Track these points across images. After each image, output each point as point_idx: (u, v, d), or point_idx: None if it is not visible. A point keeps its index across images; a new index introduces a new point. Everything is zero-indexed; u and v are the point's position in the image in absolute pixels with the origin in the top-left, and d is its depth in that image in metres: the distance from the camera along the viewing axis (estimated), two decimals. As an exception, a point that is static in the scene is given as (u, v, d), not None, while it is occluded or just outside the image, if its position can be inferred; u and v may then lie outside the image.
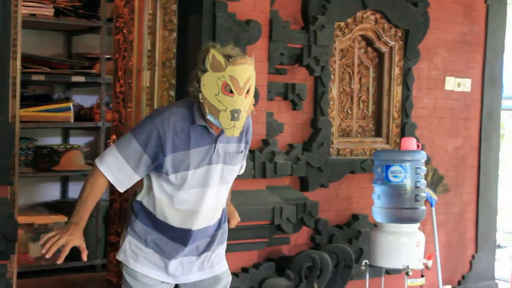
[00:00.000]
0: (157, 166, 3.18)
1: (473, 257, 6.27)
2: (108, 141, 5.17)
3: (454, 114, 6.10)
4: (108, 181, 3.20)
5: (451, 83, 6.03)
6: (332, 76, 5.35)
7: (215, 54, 3.12)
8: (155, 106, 4.59)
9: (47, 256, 3.06)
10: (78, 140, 7.05)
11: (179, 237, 3.30)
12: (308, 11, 5.16)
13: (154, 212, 3.30)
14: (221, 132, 3.21)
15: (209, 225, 3.36)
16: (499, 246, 8.33)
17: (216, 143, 3.22)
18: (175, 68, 4.63)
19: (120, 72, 4.97)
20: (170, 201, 3.26)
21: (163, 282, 3.38)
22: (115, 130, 5.06)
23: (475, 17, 6.17)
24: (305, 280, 4.98)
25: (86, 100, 6.94)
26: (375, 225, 5.07)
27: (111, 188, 5.02)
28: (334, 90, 5.40)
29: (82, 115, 6.72)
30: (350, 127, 5.59)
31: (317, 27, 5.11)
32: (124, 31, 4.88)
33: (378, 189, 4.95)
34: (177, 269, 3.37)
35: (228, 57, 3.12)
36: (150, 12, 4.59)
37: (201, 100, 3.15)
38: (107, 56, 6.40)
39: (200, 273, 3.42)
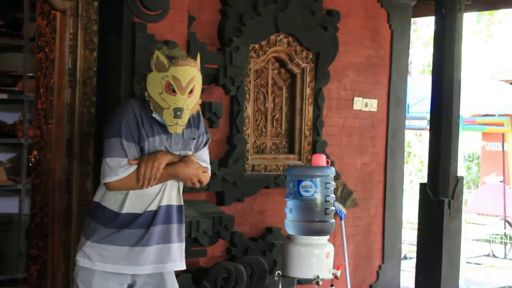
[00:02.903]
0: (141, 152, 3.36)
1: (380, 267, 6.41)
2: (30, 156, 5.19)
3: (361, 133, 6.25)
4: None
5: (359, 103, 6.20)
6: (247, 95, 5.43)
7: (159, 55, 3.31)
8: (76, 123, 4.61)
9: None
10: (1, 156, 7.02)
11: (143, 222, 3.40)
12: (224, 33, 5.23)
13: (116, 205, 3.40)
14: None
15: (169, 204, 3.48)
16: (405, 257, 8.61)
17: (172, 133, 3.41)
18: (95, 86, 4.65)
19: (42, 90, 4.97)
20: None
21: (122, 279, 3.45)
22: (36, 146, 5.05)
23: (381, 42, 6.35)
24: (221, 291, 5.02)
25: (9, 117, 6.92)
26: (288, 238, 5.09)
27: (32, 203, 5.15)
28: (249, 109, 5.48)
29: (5, 131, 6.72)
30: (264, 144, 5.68)
31: (232, 49, 5.18)
32: (46, 49, 4.89)
33: (290, 203, 5.00)
34: (141, 257, 3.42)
35: (171, 59, 3.31)
36: (72, 31, 4.61)
37: (147, 98, 3.34)
38: (30, 74, 6.39)
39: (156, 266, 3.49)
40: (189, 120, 3.47)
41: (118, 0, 4.53)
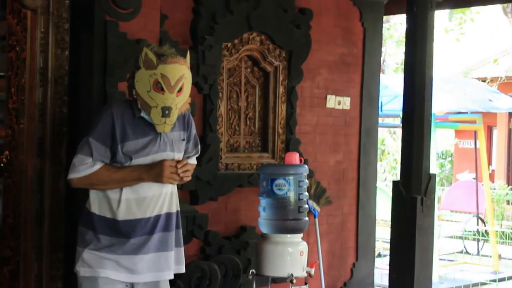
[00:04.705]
0: (113, 155, 3.32)
1: (354, 264, 6.43)
2: (1, 156, 5.14)
3: (335, 131, 6.27)
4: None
5: (332, 101, 6.23)
6: (220, 94, 5.43)
7: (147, 52, 3.28)
8: (48, 123, 4.57)
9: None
10: (-29, 157, 6.96)
11: (142, 230, 3.38)
12: (197, 31, 5.24)
13: (112, 213, 3.38)
14: None
15: (169, 211, 3.47)
16: (379, 255, 8.64)
17: (161, 133, 3.38)
18: (67, 85, 4.61)
19: (13, 89, 4.89)
20: (128, 190, 3.37)
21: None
22: (8, 146, 4.97)
23: (354, 40, 6.38)
24: (195, 290, 5.00)
25: (-21, 117, 6.88)
26: (262, 236, 5.12)
27: (5, 203, 5.09)
28: (222, 107, 5.48)
29: (-25, 131, 6.67)
30: (238, 143, 5.69)
31: (205, 47, 5.20)
32: (17, 48, 4.81)
33: (264, 202, 5.02)
34: (141, 265, 3.41)
35: (160, 56, 3.26)
36: (43, 30, 4.56)
37: (134, 96, 3.30)
38: (1, 74, 6.36)
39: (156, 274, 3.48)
40: (178, 120, 3.43)
41: (90, -2, 4.51)
